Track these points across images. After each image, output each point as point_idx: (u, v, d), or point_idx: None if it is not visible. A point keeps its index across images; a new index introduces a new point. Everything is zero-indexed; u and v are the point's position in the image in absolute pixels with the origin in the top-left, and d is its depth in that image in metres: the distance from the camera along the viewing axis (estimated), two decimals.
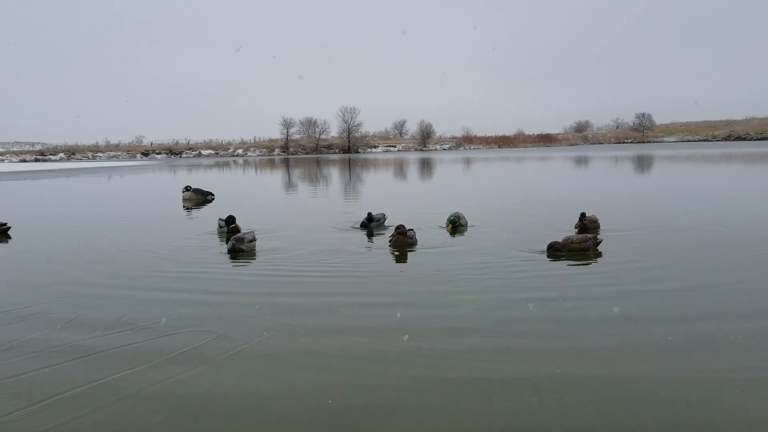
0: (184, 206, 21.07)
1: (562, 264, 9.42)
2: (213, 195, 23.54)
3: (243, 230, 12.47)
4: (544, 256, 9.86)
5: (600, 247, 10.27)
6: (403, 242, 10.89)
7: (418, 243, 11.21)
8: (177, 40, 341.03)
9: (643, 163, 45.93)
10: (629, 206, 17.04)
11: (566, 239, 10.13)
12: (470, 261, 9.72)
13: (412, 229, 11.42)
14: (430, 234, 12.46)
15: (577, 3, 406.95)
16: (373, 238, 12.36)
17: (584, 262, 9.48)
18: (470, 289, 7.94)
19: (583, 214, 12.47)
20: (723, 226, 12.68)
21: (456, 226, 12.88)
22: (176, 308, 7.28)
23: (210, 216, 16.84)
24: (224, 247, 11.20)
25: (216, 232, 13.48)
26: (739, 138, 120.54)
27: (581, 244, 10.03)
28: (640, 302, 7.13)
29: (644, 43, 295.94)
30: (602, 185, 26.71)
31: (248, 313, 7.01)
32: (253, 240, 10.86)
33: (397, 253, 10.60)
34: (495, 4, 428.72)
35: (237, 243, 10.45)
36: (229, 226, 12.94)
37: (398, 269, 9.54)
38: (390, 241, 11.09)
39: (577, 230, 12.17)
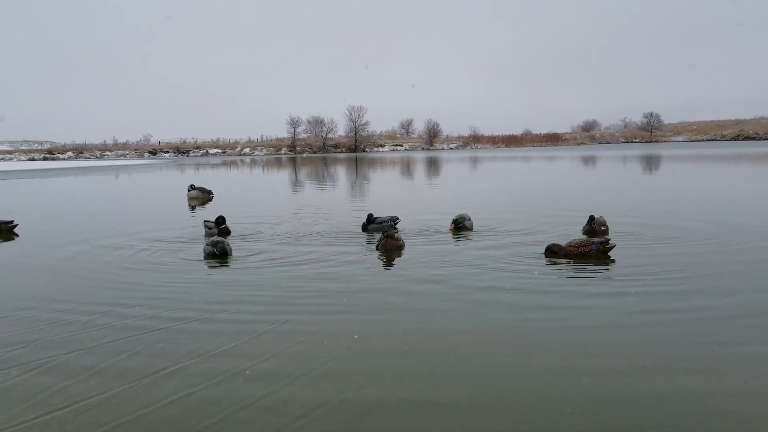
0: (189, 204, 21.08)
1: (559, 269, 9.01)
2: (213, 193, 23.56)
3: (233, 232, 12.48)
4: (543, 261, 9.43)
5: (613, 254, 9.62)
6: (391, 245, 10.66)
7: (409, 247, 10.88)
8: (182, 39, 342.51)
9: (652, 163, 45.59)
10: (640, 207, 16.84)
11: (568, 243, 9.74)
12: (461, 268, 9.19)
13: (396, 230, 11.09)
14: (428, 237, 12.16)
15: (582, 1, 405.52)
16: (370, 241, 11.84)
17: (583, 268, 8.99)
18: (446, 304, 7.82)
19: (591, 217, 11.98)
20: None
21: (459, 227, 12.57)
22: (163, 310, 7.25)
23: (214, 215, 16.79)
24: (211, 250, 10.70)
25: (204, 235, 13.06)
26: (748, 138, 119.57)
27: (579, 248, 9.47)
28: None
29: (651, 42, 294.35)
30: (612, 185, 26.49)
31: (233, 317, 6.99)
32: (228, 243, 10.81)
33: (384, 257, 10.24)
34: (500, 2, 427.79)
35: (222, 245, 10.38)
36: (219, 227, 12.75)
37: (386, 277, 9.21)
38: (378, 246, 10.83)
39: (586, 235, 11.56)
